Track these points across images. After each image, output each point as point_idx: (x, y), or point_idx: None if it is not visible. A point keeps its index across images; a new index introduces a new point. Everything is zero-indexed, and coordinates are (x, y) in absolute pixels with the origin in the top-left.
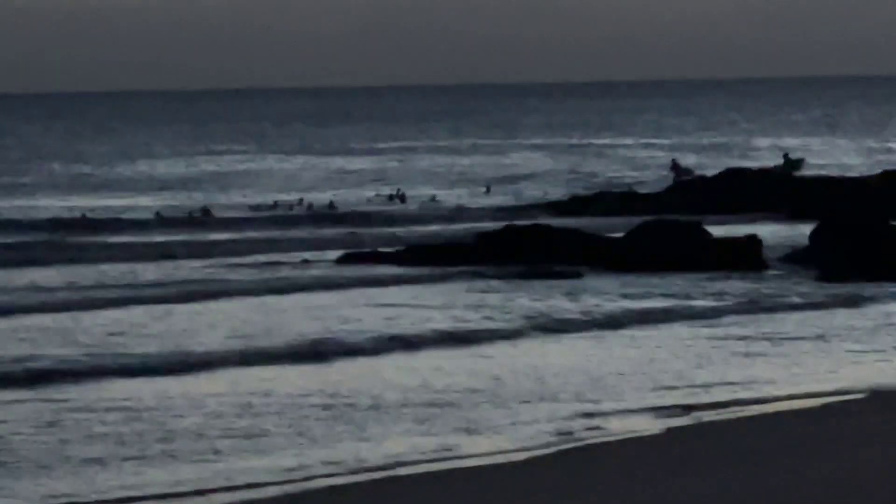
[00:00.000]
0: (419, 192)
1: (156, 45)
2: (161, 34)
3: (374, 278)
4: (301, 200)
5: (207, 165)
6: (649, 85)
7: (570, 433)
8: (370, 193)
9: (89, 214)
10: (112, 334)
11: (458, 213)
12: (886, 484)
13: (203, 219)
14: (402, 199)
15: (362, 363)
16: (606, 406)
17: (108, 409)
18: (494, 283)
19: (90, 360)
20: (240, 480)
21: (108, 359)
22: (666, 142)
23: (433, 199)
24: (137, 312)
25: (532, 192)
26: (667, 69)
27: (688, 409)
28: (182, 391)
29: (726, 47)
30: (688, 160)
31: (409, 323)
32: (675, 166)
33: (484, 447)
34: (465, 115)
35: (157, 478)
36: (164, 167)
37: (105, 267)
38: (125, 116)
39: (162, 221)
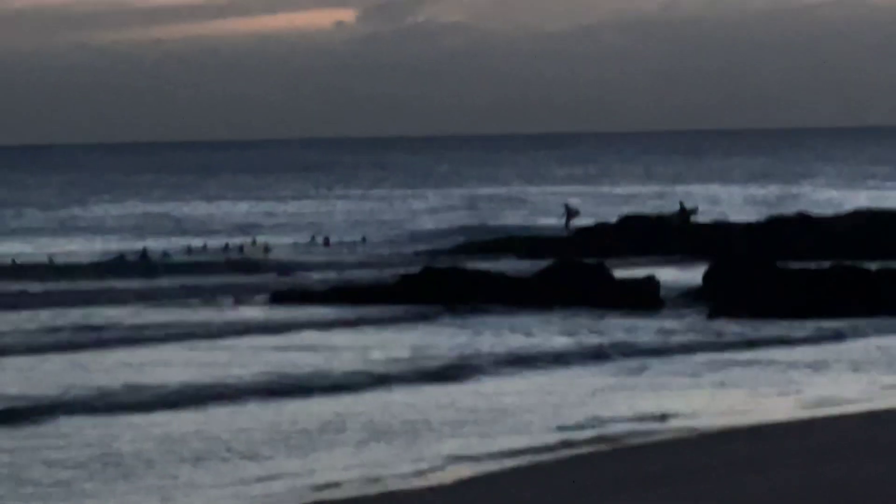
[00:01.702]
0: (341, 238)
1: (62, 98)
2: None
3: (308, 321)
4: (254, 241)
5: (135, 209)
6: (549, 137)
7: (481, 463)
8: (296, 239)
9: (18, 260)
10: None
11: (380, 257)
12: None
13: (135, 263)
14: (327, 243)
15: (313, 402)
16: (503, 442)
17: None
18: (415, 323)
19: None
20: None
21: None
22: (565, 189)
23: (363, 240)
24: (84, 357)
25: (434, 237)
26: (562, 123)
27: (575, 443)
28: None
29: (619, 102)
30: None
31: (344, 364)
32: (567, 211)
33: (410, 477)
34: (364, 166)
35: None
36: (87, 212)
37: (37, 313)
38: (45, 167)
39: (95, 267)
